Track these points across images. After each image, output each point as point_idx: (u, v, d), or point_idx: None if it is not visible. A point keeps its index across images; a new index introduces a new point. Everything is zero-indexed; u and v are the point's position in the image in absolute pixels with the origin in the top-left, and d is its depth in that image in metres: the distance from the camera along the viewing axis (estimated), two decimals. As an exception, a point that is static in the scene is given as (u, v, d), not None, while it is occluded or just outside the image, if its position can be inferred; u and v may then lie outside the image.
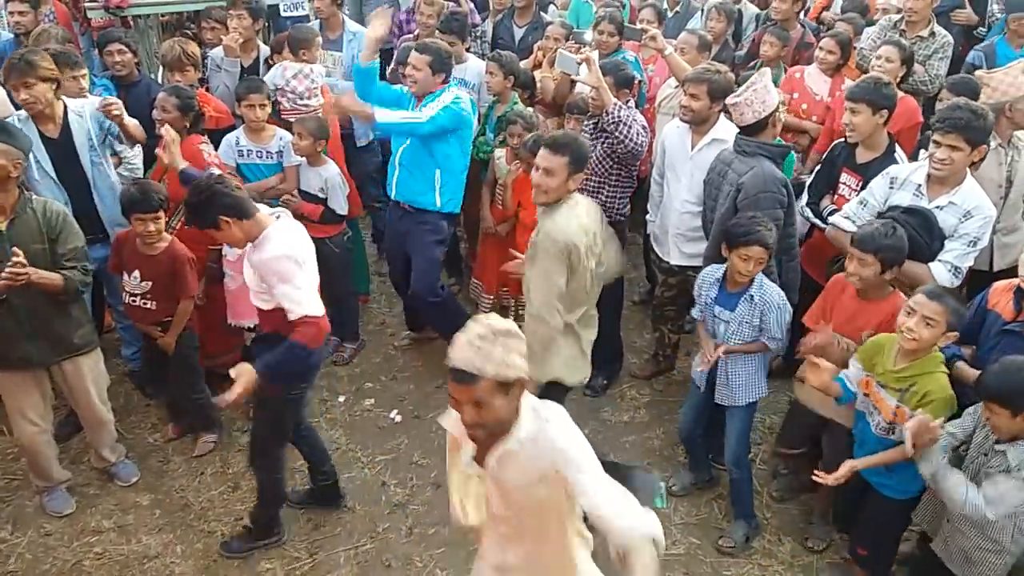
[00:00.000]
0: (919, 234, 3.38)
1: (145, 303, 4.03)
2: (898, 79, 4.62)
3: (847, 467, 3.10)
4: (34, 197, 3.59)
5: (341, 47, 5.60)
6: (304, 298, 3.16)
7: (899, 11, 5.68)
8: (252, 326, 4.33)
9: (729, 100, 3.85)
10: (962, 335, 3.06)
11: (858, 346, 3.28)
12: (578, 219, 3.33)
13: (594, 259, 3.47)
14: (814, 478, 3.20)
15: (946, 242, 3.45)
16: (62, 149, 4.07)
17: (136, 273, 3.98)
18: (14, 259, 3.28)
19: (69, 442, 4.23)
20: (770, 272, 3.67)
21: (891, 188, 3.65)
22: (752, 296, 3.49)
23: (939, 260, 3.42)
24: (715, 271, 3.64)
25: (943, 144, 3.39)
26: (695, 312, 3.79)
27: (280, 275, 3.14)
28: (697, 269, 4.16)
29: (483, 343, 2.01)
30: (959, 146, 3.37)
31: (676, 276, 4.50)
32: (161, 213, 3.91)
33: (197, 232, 4.16)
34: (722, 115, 4.16)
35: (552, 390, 3.36)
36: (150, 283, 3.99)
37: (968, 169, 3.54)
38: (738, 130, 3.85)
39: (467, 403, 2.05)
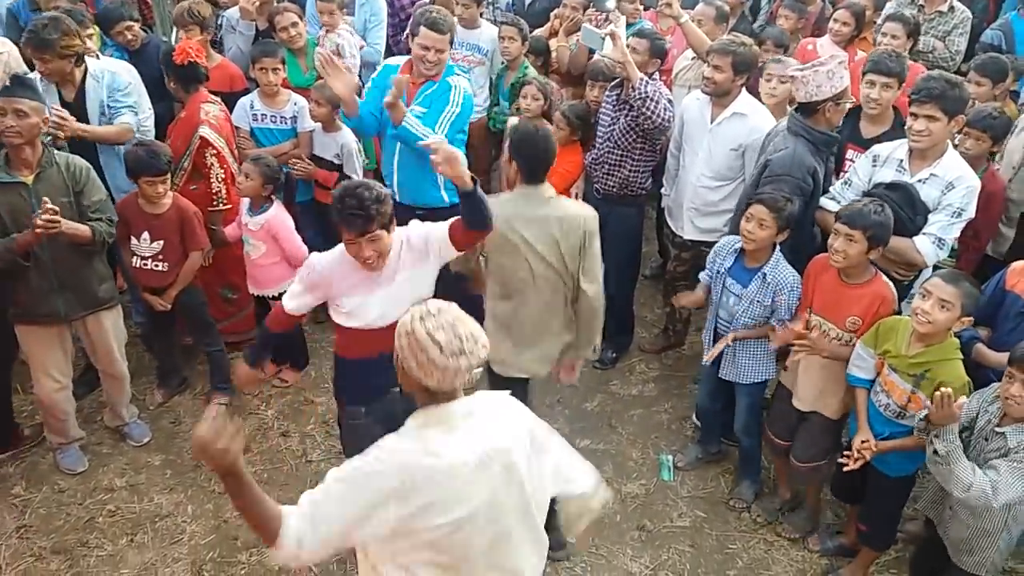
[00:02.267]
0: (901, 208, 3.34)
1: (157, 265, 4.05)
2: (905, 52, 4.57)
3: (870, 448, 3.09)
4: (56, 152, 3.61)
5: (353, 10, 5.53)
6: None
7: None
8: (275, 295, 4.34)
9: (791, 71, 3.80)
10: (979, 317, 3.04)
11: (843, 332, 3.25)
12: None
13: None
14: (840, 461, 3.19)
15: (930, 215, 3.42)
16: (74, 112, 4.05)
17: (145, 235, 3.98)
18: (46, 207, 3.31)
19: (82, 401, 4.26)
20: None
21: (874, 166, 3.61)
22: (765, 274, 3.46)
23: (923, 233, 3.39)
24: (734, 241, 3.61)
25: (920, 115, 3.35)
26: (702, 276, 3.76)
27: None
28: (711, 244, 4.15)
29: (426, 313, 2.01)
30: (935, 116, 3.31)
31: (689, 251, 4.48)
32: (168, 174, 3.92)
33: (197, 194, 4.26)
34: (744, 89, 4.11)
35: (518, 386, 3.25)
36: (161, 242, 4.00)
37: (949, 141, 3.50)
38: (796, 106, 3.78)
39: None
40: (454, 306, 2.06)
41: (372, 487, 1.97)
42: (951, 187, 3.38)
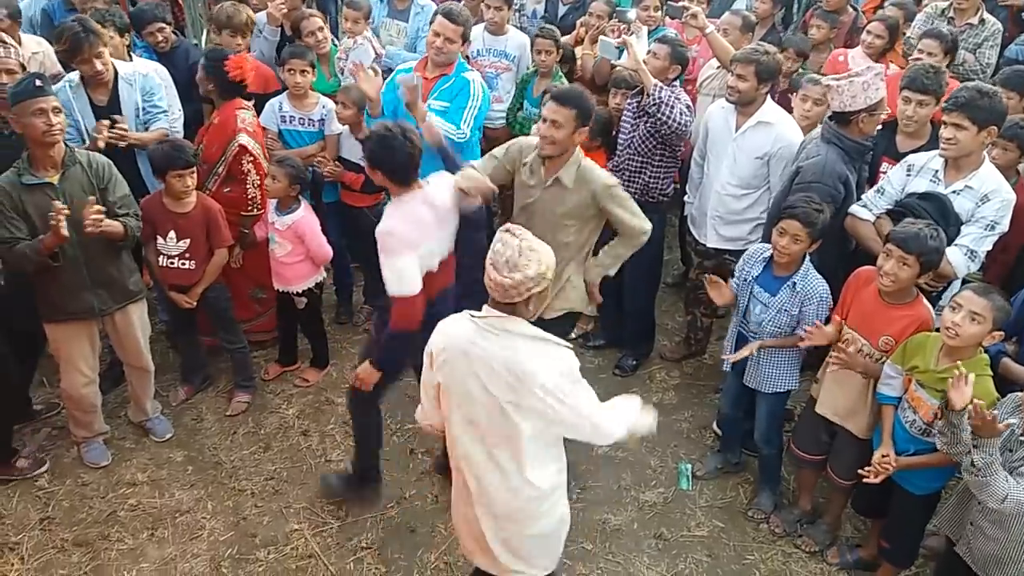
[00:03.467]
0: (934, 219, 3.29)
1: (183, 263, 4.10)
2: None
3: (890, 464, 3.06)
4: (76, 149, 3.64)
5: (408, 18, 5.57)
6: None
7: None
8: (300, 291, 4.41)
9: (827, 81, 3.79)
10: (1007, 330, 3.00)
11: (876, 351, 3.21)
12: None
13: None
14: (860, 472, 3.15)
15: (963, 227, 3.38)
16: (109, 117, 4.09)
17: (172, 234, 4.03)
18: (92, 205, 3.38)
19: (106, 397, 4.30)
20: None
21: (908, 175, 3.58)
22: (795, 284, 3.43)
23: (955, 244, 3.35)
24: (764, 249, 3.59)
25: (949, 123, 3.33)
26: (731, 283, 3.73)
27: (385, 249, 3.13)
28: (734, 253, 4.15)
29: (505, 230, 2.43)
30: (963, 124, 3.29)
31: (712, 259, 4.46)
32: (194, 169, 3.99)
33: (231, 196, 4.32)
34: (769, 97, 4.10)
35: (566, 321, 3.69)
36: (188, 240, 4.05)
37: (985, 153, 3.46)
38: (830, 114, 3.78)
39: None
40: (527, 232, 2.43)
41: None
42: (986, 200, 3.35)
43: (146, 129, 4.27)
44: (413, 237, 3.12)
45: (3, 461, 3.97)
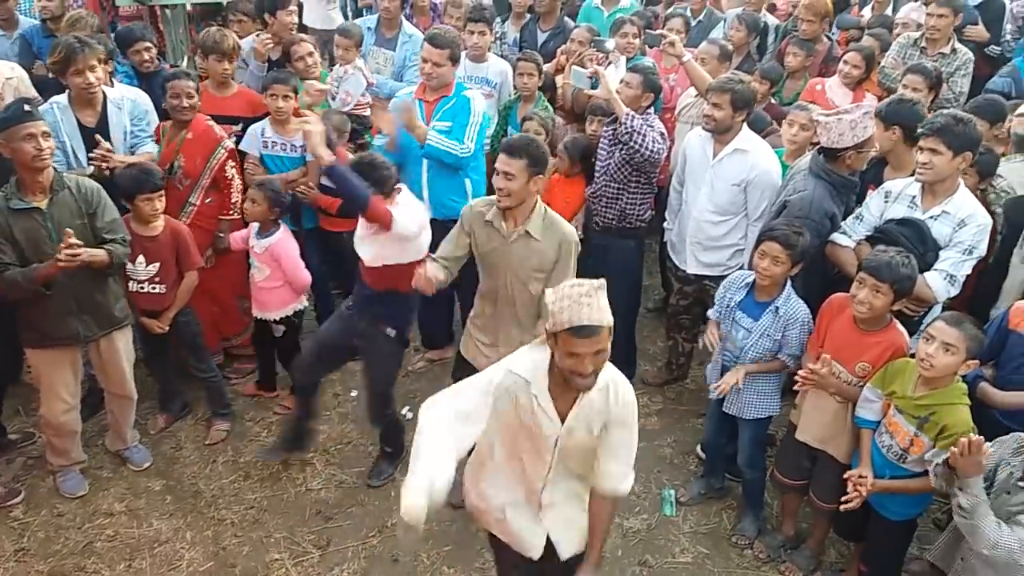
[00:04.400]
0: (913, 245, 3.36)
1: (154, 287, 4.07)
2: (928, 104, 4.62)
3: (866, 488, 3.07)
4: (65, 174, 3.62)
5: (395, 47, 5.62)
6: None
7: (919, 26, 5.67)
8: (277, 319, 4.41)
9: (816, 115, 3.85)
10: (982, 357, 3.04)
11: (852, 377, 3.24)
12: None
13: None
14: (843, 508, 3.16)
15: (941, 251, 3.44)
16: (95, 139, 4.09)
17: (140, 258, 4.00)
18: (68, 240, 3.34)
19: (84, 425, 4.23)
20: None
21: (886, 202, 3.64)
22: (778, 308, 3.47)
23: (935, 269, 3.41)
24: (745, 276, 3.63)
25: (924, 148, 3.39)
26: (711, 313, 3.78)
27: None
28: (714, 279, 4.19)
29: (591, 299, 2.28)
30: (939, 149, 3.35)
31: (692, 285, 4.50)
32: (163, 192, 3.99)
33: (212, 207, 4.41)
34: (745, 125, 4.16)
35: None
36: (157, 264, 4.03)
37: (961, 180, 3.53)
38: (818, 147, 3.83)
39: (591, 354, 2.30)
40: None
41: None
42: (963, 224, 3.41)
43: (132, 153, 4.26)
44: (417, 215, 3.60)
45: None
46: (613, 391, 2.48)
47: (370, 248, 3.62)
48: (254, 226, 4.34)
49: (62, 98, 4.17)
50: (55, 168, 3.55)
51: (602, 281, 2.32)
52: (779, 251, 3.36)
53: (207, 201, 4.42)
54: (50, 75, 5.09)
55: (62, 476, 3.98)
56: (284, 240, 4.32)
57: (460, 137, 4.33)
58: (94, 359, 3.90)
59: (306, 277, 4.42)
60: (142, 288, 4.06)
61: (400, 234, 3.50)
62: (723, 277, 3.85)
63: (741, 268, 4.17)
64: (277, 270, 4.31)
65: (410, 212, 3.58)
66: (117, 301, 3.81)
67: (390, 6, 5.64)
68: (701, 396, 4.59)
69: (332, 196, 4.61)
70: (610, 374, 2.48)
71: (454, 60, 4.39)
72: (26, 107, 3.38)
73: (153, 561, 3.66)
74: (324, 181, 4.63)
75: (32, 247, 3.40)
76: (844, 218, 3.80)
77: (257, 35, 5.27)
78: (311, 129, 3.29)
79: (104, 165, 4.04)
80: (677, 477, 4.23)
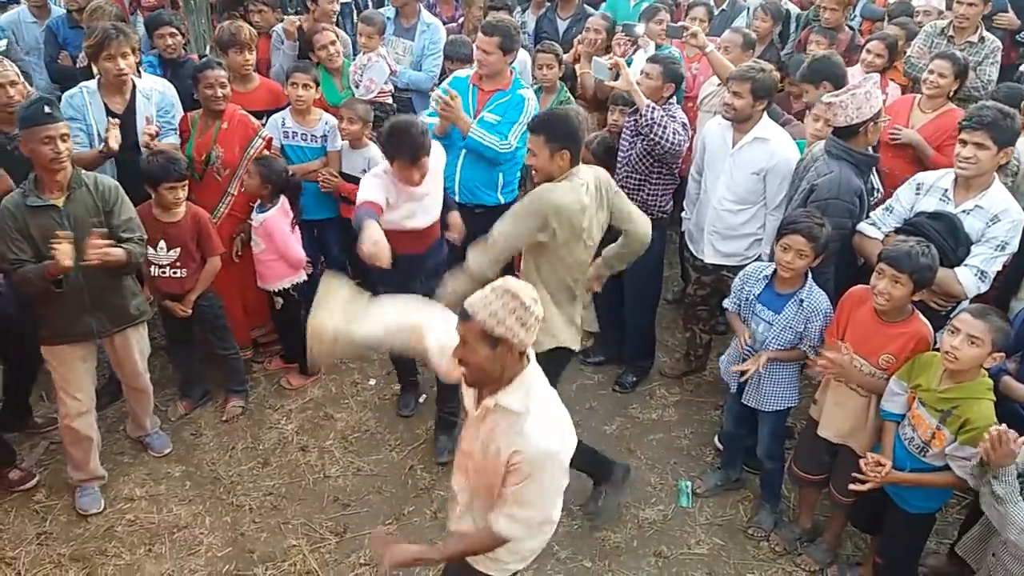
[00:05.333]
0: (944, 239, 3.31)
1: (175, 272, 4.12)
2: (952, 93, 4.56)
3: (884, 476, 3.04)
4: (83, 172, 3.60)
5: (414, 36, 5.61)
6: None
7: (940, 13, 5.57)
8: (279, 290, 4.51)
9: (826, 98, 3.80)
10: (1006, 349, 2.99)
11: (875, 369, 3.20)
12: (576, 194, 3.29)
13: (592, 238, 3.44)
14: (851, 487, 3.14)
15: (973, 247, 3.38)
16: (122, 126, 4.12)
17: (162, 244, 4.05)
18: (95, 239, 3.36)
19: (105, 411, 4.30)
20: (827, 280, 3.62)
21: (917, 194, 3.60)
22: (802, 300, 3.43)
23: (965, 264, 3.35)
24: (764, 267, 3.60)
25: (969, 142, 3.33)
26: (728, 303, 3.74)
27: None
28: (732, 268, 4.17)
29: (491, 294, 2.22)
30: (985, 144, 3.29)
31: (710, 275, 4.47)
32: (186, 181, 4.02)
33: (246, 196, 4.43)
34: (765, 114, 4.12)
35: (555, 358, 3.42)
36: (178, 250, 4.07)
37: (995, 173, 3.46)
38: (832, 130, 3.79)
39: (461, 339, 2.27)
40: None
41: (554, 479, 2.36)
42: (996, 220, 3.35)
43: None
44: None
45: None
46: (523, 427, 2.27)
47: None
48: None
49: (92, 83, 4.23)
50: (73, 166, 3.51)
51: (527, 298, 2.22)
52: (803, 244, 3.33)
53: (241, 190, 4.46)
54: (76, 65, 5.19)
55: (79, 491, 3.91)
56: (276, 216, 4.38)
57: (504, 133, 4.33)
58: (109, 352, 3.92)
59: (298, 253, 4.49)
60: (163, 273, 4.11)
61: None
62: (741, 267, 3.82)
63: (759, 258, 4.14)
64: (270, 243, 4.39)
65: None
66: (134, 298, 3.80)
67: None
68: (719, 388, 4.57)
69: (354, 183, 4.67)
70: (521, 404, 2.30)
71: (504, 49, 4.32)
72: (46, 108, 3.36)
73: (173, 546, 3.70)
74: (345, 170, 4.72)
75: (47, 244, 3.36)
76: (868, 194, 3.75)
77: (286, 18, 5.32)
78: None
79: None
80: (694, 469, 4.21)
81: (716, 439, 4.30)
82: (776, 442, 3.74)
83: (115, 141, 4.01)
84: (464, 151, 4.45)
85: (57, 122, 3.37)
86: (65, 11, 5.70)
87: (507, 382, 2.31)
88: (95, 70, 4.34)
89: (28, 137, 3.36)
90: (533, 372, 2.36)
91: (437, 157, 3.82)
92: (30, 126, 3.34)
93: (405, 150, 3.54)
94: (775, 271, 3.51)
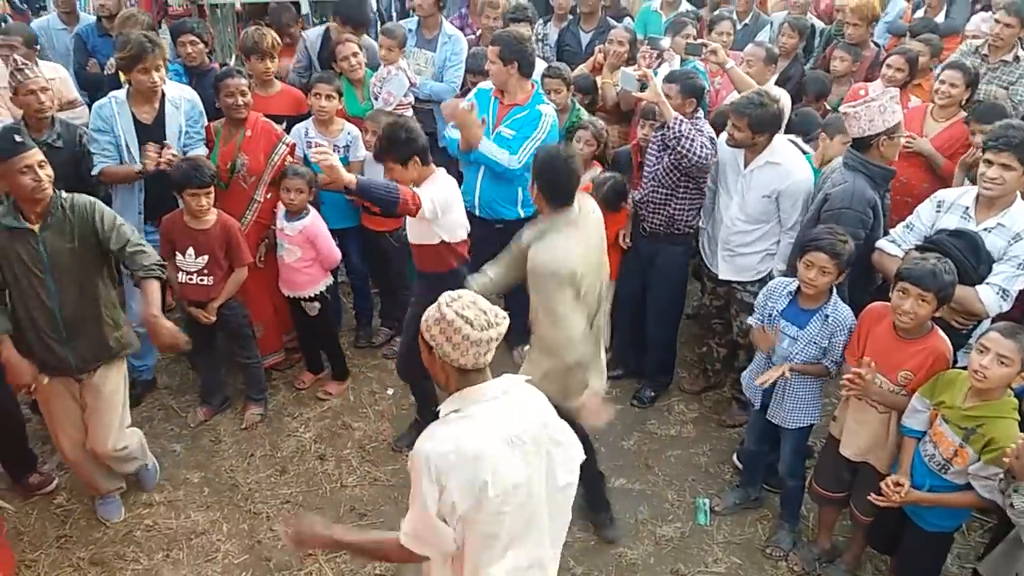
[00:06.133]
0: (965, 257, 3.27)
1: (202, 279, 4.16)
2: (963, 102, 4.55)
3: (905, 495, 3.01)
4: (62, 193, 3.35)
5: (436, 48, 5.63)
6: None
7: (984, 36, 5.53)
8: (311, 296, 4.54)
9: (843, 108, 3.80)
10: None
11: (894, 385, 3.17)
12: (568, 242, 3.17)
13: (598, 281, 3.35)
14: (871, 499, 3.12)
15: (995, 265, 3.34)
16: (152, 136, 4.17)
17: (190, 250, 4.09)
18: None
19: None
20: (840, 290, 3.57)
21: (938, 211, 3.56)
22: (827, 316, 3.40)
23: (987, 283, 3.31)
24: (787, 283, 3.56)
25: (995, 163, 3.30)
26: (752, 320, 3.72)
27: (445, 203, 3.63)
28: (742, 283, 4.21)
29: (441, 299, 2.16)
30: (1012, 165, 3.27)
31: (723, 286, 4.44)
32: (210, 188, 4.05)
33: (270, 203, 4.48)
34: (776, 138, 4.07)
35: None
36: (206, 257, 4.11)
37: (1019, 192, 3.43)
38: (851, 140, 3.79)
39: None
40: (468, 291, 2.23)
41: (420, 481, 2.10)
42: (1019, 238, 3.32)
43: (184, 154, 4.30)
44: (447, 194, 3.66)
45: (18, 477, 4.01)
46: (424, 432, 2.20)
47: (409, 228, 3.81)
48: (280, 209, 4.45)
49: (120, 93, 4.26)
50: (54, 189, 3.30)
51: (459, 302, 2.13)
52: (825, 261, 3.30)
53: (267, 197, 4.48)
54: (105, 73, 5.25)
55: (100, 500, 3.91)
56: (317, 220, 4.46)
57: (515, 148, 4.31)
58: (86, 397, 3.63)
59: (338, 254, 4.61)
60: (191, 280, 4.16)
61: (425, 218, 3.58)
62: (754, 282, 3.79)
63: (771, 273, 4.13)
64: (311, 250, 4.44)
65: (436, 192, 3.60)
66: (115, 330, 3.57)
67: (423, 3, 5.64)
68: (738, 405, 4.53)
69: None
70: (438, 424, 2.18)
71: (504, 59, 4.29)
72: (16, 138, 3.18)
73: (190, 552, 3.72)
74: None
75: (20, 268, 3.28)
76: (884, 210, 3.73)
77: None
78: (330, 162, 3.30)
79: (159, 162, 4.08)
80: (712, 486, 4.18)
81: (735, 457, 4.27)
82: (798, 460, 3.71)
83: (153, 164, 4.05)
84: (483, 168, 4.44)
85: (30, 150, 3.19)
86: (95, 18, 5.78)
87: (450, 392, 2.21)
88: (122, 78, 4.39)
89: (5, 171, 3.15)
90: (482, 396, 2.16)
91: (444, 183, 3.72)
92: (5, 159, 3.14)
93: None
94: (799, 286, 3.49)
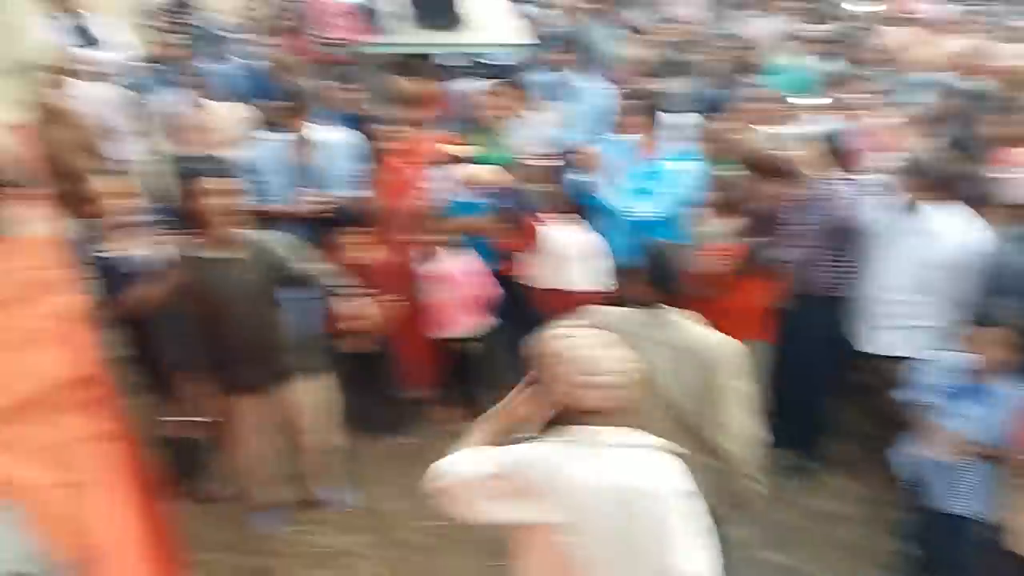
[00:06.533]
0: None
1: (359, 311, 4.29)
2: None
3: None
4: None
5: (577, 99, 5.79)
6: None
7: None
8: (460, 338, 4.63)
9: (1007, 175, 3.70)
10: None
11: None
12: None
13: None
14: None
15: None
16: (308, 180, 4.51)
17: (351, 283, 4.25)
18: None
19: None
20: None
21: None
22: (1005, 394, 3.21)
23: None
24: (962, 359, 3.36)
25: None
26: (917, 396, 3.51)
27: None
28: (897, 360, 3.92)
29: None
30: None
31: (871, 362, 4.24)
32: (365, 228, 4.34)
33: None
34: (934, 203, 3.89)
35: None
36: (366, 291, 4.20)
37: None
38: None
39: None
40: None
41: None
42: None
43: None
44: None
45: (194, 483, 4.27)
46: None
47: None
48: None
49: (279, 136, 4.59)
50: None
51: None
52: (1005, 337, 3.14)
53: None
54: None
55: (264, 513, 4.11)
56: (464, 258, 4.57)
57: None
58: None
59: (498, 288, 4.64)
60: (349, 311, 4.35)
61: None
62: (908, 359, 3.62)
63: (934, 349, 3.87)
64: (470, 287, 4.54)
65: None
66: (304, 349, 3.81)
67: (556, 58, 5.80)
68: (899, 481, 4.27)
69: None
70: None
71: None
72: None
73: (336, 573, 3.87)
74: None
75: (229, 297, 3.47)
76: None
77: None
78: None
79: (315, 207, 4.36)
80: (862, 565, 3.97)
81: (898, 542, 4.00)
82: (966, 552, 3.45)
83: (308, 208, 4.37)
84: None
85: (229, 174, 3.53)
86: (243, 64, 6.24)
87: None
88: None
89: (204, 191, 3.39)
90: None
91: None
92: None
93: None
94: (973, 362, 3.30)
